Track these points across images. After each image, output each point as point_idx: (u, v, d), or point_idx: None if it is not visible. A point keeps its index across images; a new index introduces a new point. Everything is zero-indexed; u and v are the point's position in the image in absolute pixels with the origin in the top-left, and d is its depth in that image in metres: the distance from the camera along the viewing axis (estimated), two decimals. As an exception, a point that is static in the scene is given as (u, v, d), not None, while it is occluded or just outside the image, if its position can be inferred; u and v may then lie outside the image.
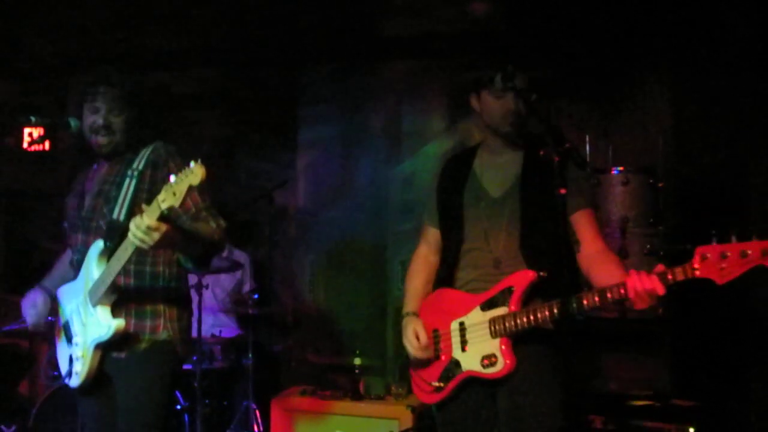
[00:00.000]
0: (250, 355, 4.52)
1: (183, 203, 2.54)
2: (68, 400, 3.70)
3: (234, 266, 4.88)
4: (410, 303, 2.73)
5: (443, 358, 2.57)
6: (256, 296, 4.79)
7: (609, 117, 4.52)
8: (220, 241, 2.72)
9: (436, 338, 2.61)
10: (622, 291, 2.22)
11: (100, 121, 2.71)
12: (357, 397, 4.36)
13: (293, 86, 5.91)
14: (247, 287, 5.13)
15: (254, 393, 4.50)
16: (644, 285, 2.18)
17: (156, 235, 2.37)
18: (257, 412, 4.54)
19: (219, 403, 4.64)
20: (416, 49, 5.34)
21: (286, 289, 5.76)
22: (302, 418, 4.35)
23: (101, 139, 2.74)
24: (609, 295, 2.26)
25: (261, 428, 4.54)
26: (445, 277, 2.66)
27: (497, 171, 2.65)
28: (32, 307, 2.86)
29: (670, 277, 2.17)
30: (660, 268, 2.21)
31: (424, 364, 2.62)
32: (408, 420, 4.07)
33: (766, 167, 3.69)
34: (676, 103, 4.25)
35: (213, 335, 4.77)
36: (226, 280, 5.16)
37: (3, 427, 4.61)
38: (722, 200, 3.88)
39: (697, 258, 2.11)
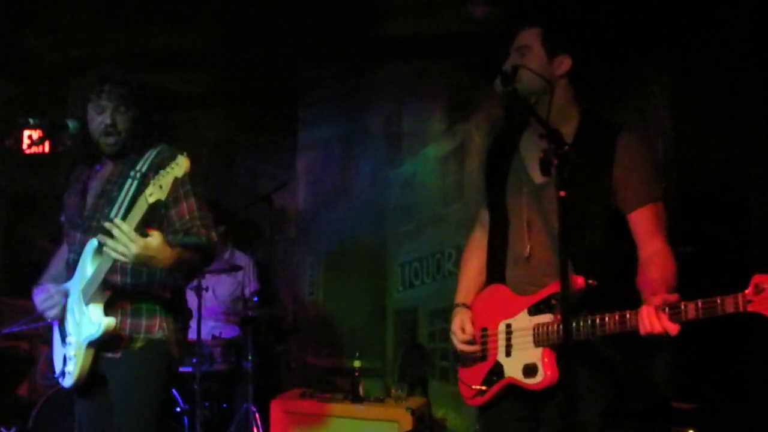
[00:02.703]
0: (249, 358, 4.51)
1: (178, 208, 2.64)
2: (67, 402, 3.70)
3: (233, 268, 4.88)
4: (461, 293, 2.56)
5: (489, 360, 2.39)
6: (255, 299, 4.78)
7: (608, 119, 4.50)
8: (210, 257, 2.71)
9: (484, 337, 2.42)
10: (633, 324, 2.04)
11: (108, 121, 2.69)
12: (357, 399, 4.36)
13: (293, 87, 5.91)
14: (251, 288, 5.10)
15: (254, 395, 4.49)
16: (654, 328, 2.00)
17: (134, 247, 2.37)
18: (257, 414, 4.53)
19: (218, 406, 4.64)
20: (416, 50, 5.33)
21: (286, 291, 5.75)
22: (302, 420, 4.34)
23: (109, 140, 2.72)
24: (621, 319, 2.08)
25: (260, 430, 4.53)
26: (494, 271, 2.47)
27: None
28: (44, 292, 2.78)
29: (683, 314, 1.94)
30: (672, 298, 1.95)
31: (470, 363, 2.45)
32: (407, 422, 4.06)
33: (767, 168, 3.67)
34: (676, 104, 4.23)
35: (213, 336, 4.76)
36: (227, 282, 5.14)
37: (3, 428, 4.61)
38: (723, 202, 3.86)
39: (751, 289, 1.82)
